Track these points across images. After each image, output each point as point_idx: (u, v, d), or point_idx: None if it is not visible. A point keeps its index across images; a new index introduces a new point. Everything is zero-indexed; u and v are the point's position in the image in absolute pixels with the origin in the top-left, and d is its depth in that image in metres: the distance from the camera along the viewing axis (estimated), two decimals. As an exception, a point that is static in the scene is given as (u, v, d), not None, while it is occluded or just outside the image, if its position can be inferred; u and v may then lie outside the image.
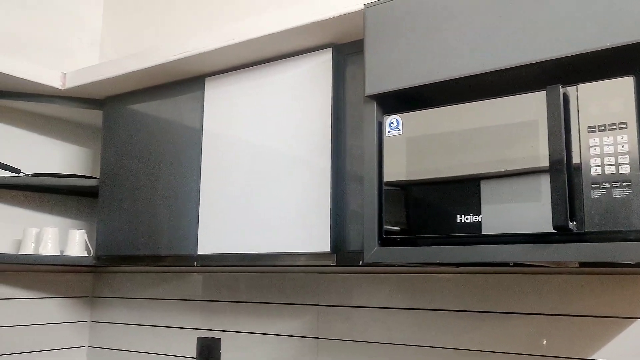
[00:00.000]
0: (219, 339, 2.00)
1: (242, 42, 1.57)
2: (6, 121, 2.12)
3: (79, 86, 1.94)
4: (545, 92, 1.02)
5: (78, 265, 2.27)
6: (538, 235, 1.02)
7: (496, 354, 1.49)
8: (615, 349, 1.33)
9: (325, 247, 1.45)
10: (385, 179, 1.22)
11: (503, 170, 1.06)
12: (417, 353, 1.61)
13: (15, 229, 2.12)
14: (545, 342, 1.42)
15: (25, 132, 2.18)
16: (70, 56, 2.36)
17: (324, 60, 1.53)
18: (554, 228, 0.97)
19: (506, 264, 1.38)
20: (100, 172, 1.98)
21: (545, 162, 1.01)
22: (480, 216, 1.08)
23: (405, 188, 1.19)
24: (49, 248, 1.98)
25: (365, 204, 1.24)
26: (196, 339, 2.06)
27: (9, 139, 2.12)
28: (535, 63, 1.07)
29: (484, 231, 1.08)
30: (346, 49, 1.52)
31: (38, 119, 2.21)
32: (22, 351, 2.13)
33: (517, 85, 1.17)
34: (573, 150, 0.99)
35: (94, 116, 2.17)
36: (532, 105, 1.05)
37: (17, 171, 2.00)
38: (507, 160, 1.06)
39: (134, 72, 1.81)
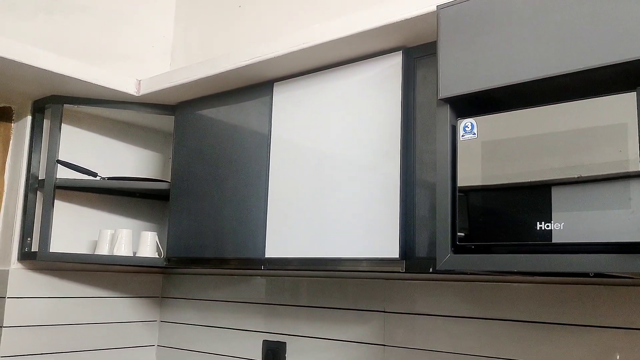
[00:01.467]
0: (285, 343, 2.01)
1: (311, 47, 1.57)
2: (85, 127, 2.22)
3: (152, 92, 2.01)
4: (635, 93, 0.97)
5: (149, 267, 2.34)
6: (629, 245, 0.96)
7: (574, 369, 1.42)
8: None
9: (395, 254, 1.43)
10: (459, 184, 1.19)
11: (583, 176, 1.01)
12: (489, 364, 1.55)
13: (91, 230, 2.21)
14: (618, 356, 1.35)
15: (102, 137, 2.27)
16: (144, 64, 2.44)
17: (393, 64, 1.51)
18: (645, 237, 0.92)
19: (586, 274, 1.31)
20: (171, 176, 2.04)
21: (635, 167, 0.95)
22: (562, 223, 1.03)
23: (480, 194, 1.15)
24: (122, 249, 2.06)
25: (438, 209, 1.21)
26: (261, 342, 2.08)
27: (87, 144, 2.22)
28: (621, 63, 1.02)
29: (564, 239, 1.03)
30: (416, 52, 1.50)
31: (114, 124, 2.31)
32: (95, 348, 2.22)
33: (598, 87, 1.11)
34: (666, 154, 0.93)
35: (166, 121, 2.23)
36: (619, 108, 0.99)
37: (94, 174, 2.08)
38: (592, 165, 1.01)
39: (204, 78, 1.85)
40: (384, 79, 1.53)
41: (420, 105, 1.47)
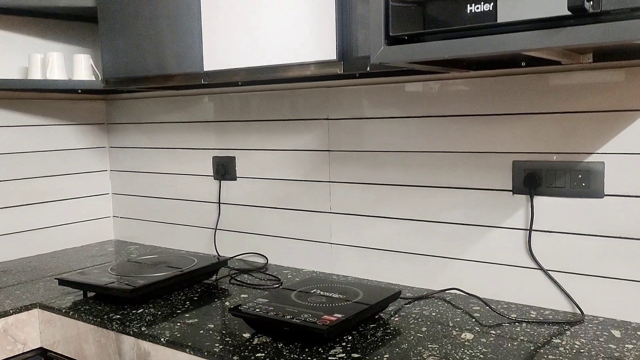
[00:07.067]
0: (234, 157, 2.06)
1: None
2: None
3: None
4: None
5: (89, 92, 2.28)
6: (552, 20, 0.96)
7: (508, 154, 1.51)
8: (626, 140, 1.34)
9: (332, 55, 1.42)
10: (392, -28, 1.14)
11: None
12: (426, 157, 1.64)
13: (19, 56, 2.09)
14: (555, 158, 1.44)
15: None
16: None
17: None
18: (568, 9, 0.92)
19: (518, 64, 1.34)
20: (97, -8, 1.90)
21: None
22: (491, 4, 1.02)
23: (414, -19, 1.12)
24: (56, 73, 1.97)
25: (371, 2, 1.18)
26: (211, 158, 2.13)
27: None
28: None
29: (494, 20, 1.02)
30: None
31: None
32: (47, 175, 2.23)
33: None
34: None
35: None
36: None
37: (11, -7, 1.92)
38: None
39: None
40: None
41: None
